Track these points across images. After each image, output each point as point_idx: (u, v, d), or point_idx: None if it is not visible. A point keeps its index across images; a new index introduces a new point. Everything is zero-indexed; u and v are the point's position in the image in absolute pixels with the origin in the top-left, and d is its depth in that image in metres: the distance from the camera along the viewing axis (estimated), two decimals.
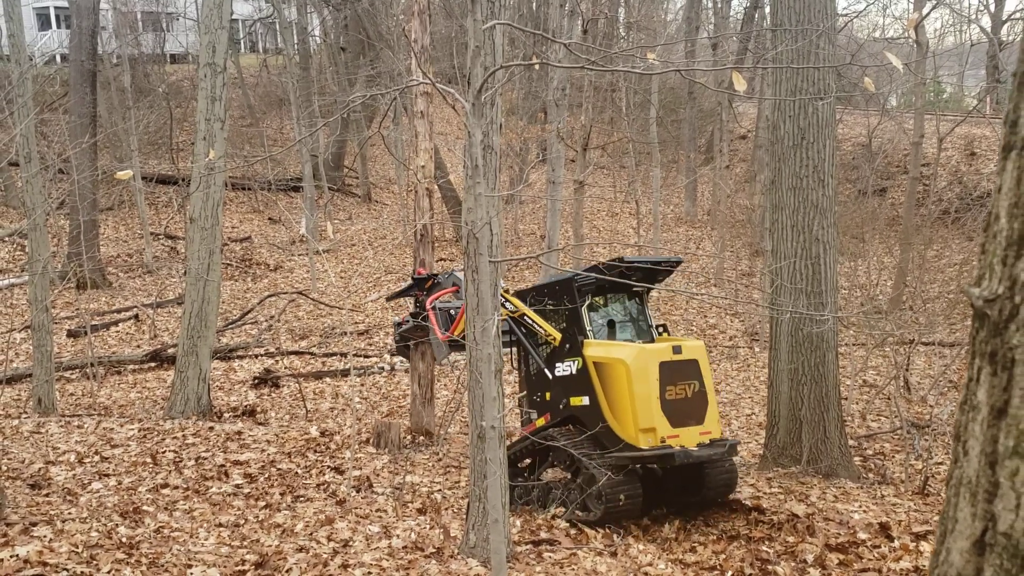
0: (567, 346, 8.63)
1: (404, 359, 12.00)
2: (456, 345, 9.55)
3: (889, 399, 13.67)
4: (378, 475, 9.64)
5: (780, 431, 10.24)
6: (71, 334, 18.24)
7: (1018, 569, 0.79)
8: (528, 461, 9.20)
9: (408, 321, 11.05)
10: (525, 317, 8.94)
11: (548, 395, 8.88)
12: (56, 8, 40.10)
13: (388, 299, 13.18)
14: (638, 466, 8.29)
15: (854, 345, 16.64)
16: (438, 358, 10.47)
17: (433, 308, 9.89)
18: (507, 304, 9.00)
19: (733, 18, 36.44)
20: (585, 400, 8.43)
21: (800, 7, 9.40)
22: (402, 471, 9.68)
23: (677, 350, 8.28)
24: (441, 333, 9.71)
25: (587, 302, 8.70)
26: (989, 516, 0.83)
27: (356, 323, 19.67)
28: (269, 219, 28.57)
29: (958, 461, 0.91)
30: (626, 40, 28.29)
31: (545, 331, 8.78)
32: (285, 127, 33.25)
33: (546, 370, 8.82)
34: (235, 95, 34.14)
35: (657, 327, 9.11)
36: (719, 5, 34.29)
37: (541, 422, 8.95)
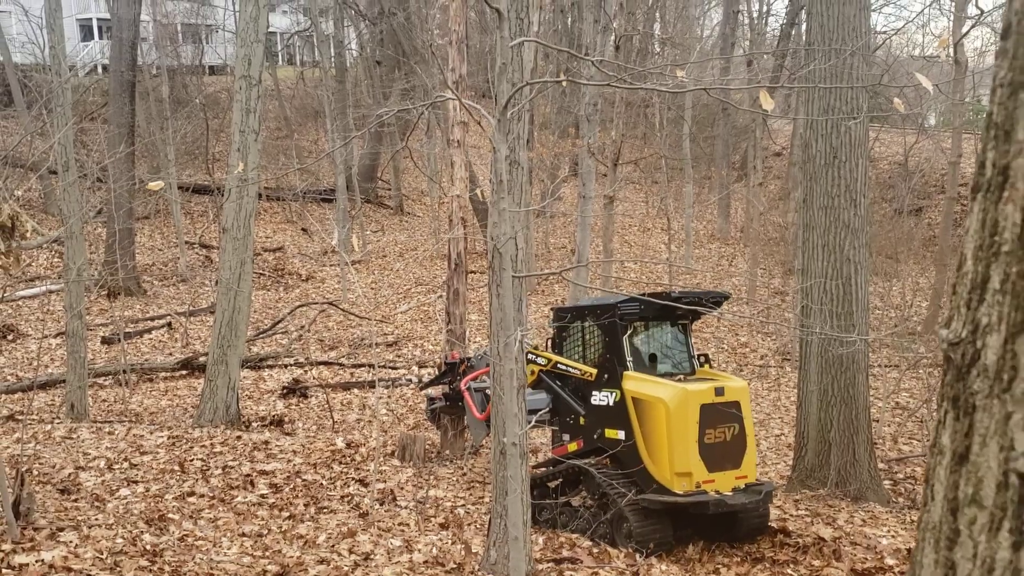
0: (605, 376, 8.51)
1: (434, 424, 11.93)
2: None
3: (922, 422, 13.45)
4: (402, 488, 9.64)
5: (808, 453, 10.12)
6: (105, 341, 18.48)
7: None
8: (558, 482, 9.13)
9: (441, 400, 10.99)
10: (558, 365, 8.90)
11: (582, 420, 8.78)
12: (99, 19, 40.85)
13: (421, 388, 13.20)
14: None
15: (887, 367, 16.41)
16: (475, 440, 10.36)
17: (468, 389, 9.81)
18: (538, 359, 8.96)
19: (770, 34, 36.25)
20: (620, 434, 8.29)
21: (834, 25, 9.33)
22: (426, 485, 9.68)
23: (720, 391, 8.10)
24: (478, 413, 9.64)
25: (629, 331, 8.56)
26: (950, 564, 0.81)
27: (385, 334, 19.74)
28: (302, 230, 28.81)
29: (927, 504, 0.88)
30: (660, 56, 28.25)
31: (581, 371, 8.72)
32: (320, 139, 33.55)
33: (579, 406, 8.75)
34: (272, 107, 34.53)
35: (699, 357, 8.97)
36: (756, 21, 34.12)
37: (573, 447, 8.85)
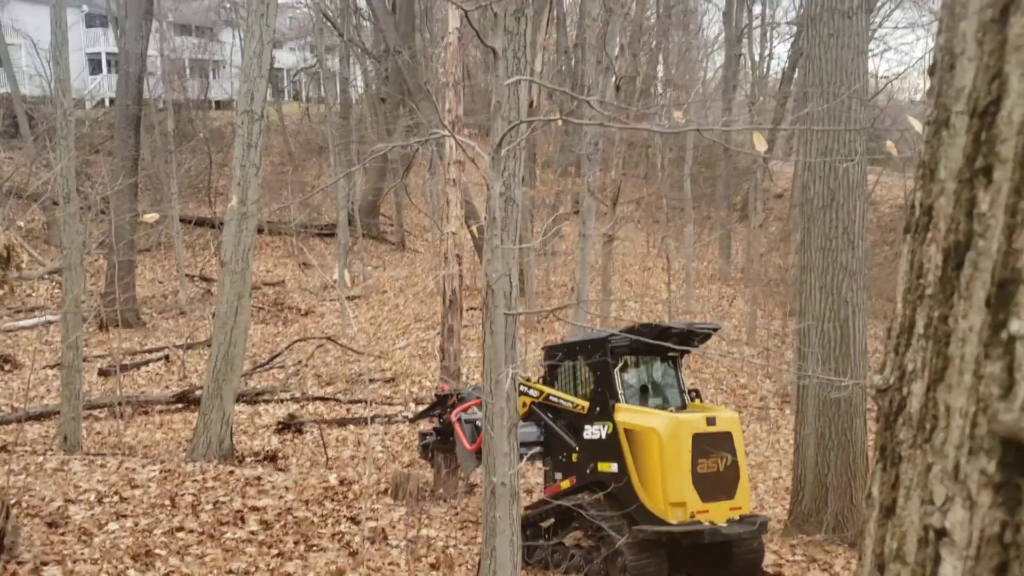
0: (597, 409, 8.50)
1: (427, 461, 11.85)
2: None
3: None
4: (394, 527, 9.54)
5: (805, 497, 10.01)
6: (102, 372, 18.40)
7: None
8: (551, 521, 9.03)
9: (432, 435, 10.94)
10: (550, 397, 8.88)
11: (574, 457, 8.74)
12: (108, 53, 41.26)
13: (411, 420, 13.18)
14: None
15: None
16: (464, 470, 10.28)
17: (459, 420, 9.79)
18: (530, 391, 8.93)
19: (772, 78, 36.53)
20: (614, 467, 8.27)
21: (831, 69, 9.38)
22: (418, 524, 9.57)
23: (711, 421, 8.12)
24: (468, 444, 9.60)
25: (620, 364, 8.57)
26: None
27: (383, 370, 19.66)
28: (302, 264, 28.83)
29: (860, 559, 0.85)
30: (662, 97, 28.46)
31: (573, 403, 8.70)
32: (323, 174, 33.69)
33: (571, 441, 8.71)
34: (276, 142, 34.75)
35: (689, 392, 8.97)
36: (757, 64, 34.42)
37: (566, 484, 8.80)
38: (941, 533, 0.67)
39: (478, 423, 9.46)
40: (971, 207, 0.65)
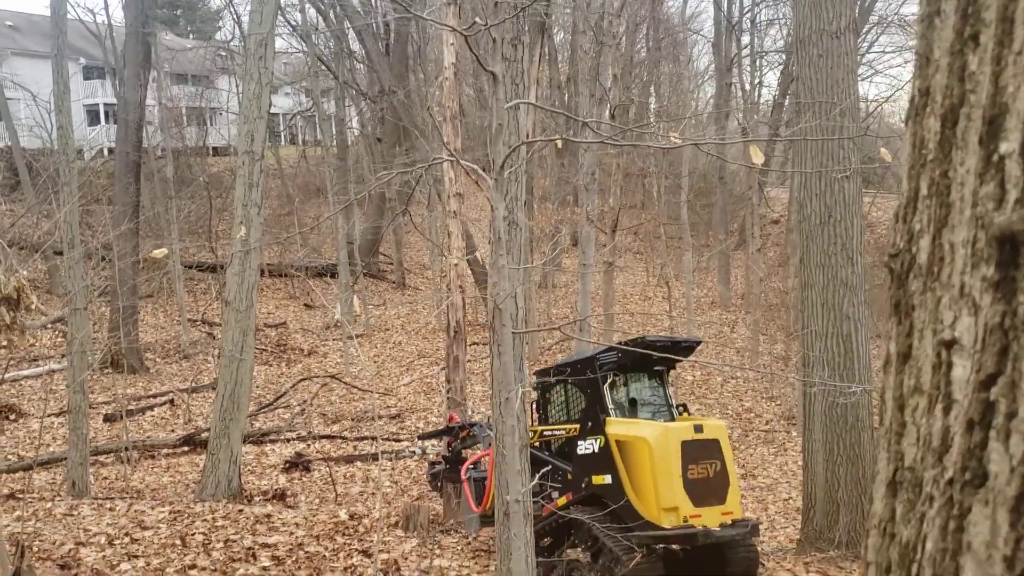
0: (589, 424, 8.70)
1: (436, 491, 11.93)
2: (488, 520, 9.31)
3: None
4: (406, 559, 9.52)
5: (816, 513, 10.00)
6: (107, 418, 18.39)
7: (917, 498, 0.82)
8: (548, 540, 9.14)
9: (442, 463, 11.05)
10: (544, 434, 9.10)
11: (569, 474, 8.92)
12: (105, 104, 41.70)
13: (419, 438, 13.33)
14: (660, 546, 8.21)
15: None
16: (468, 530, 10.33)
17: (468, 478, 9.91)
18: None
19: (763, 105, 36.89)
20: (607, 479, 8.46)
21: (822, 88, 9.54)
22: (430, 555, 9.55)
23: (699, 429, 8.36)
24: (475, 505, 9.68)
25: (608, 380, 8.80)
26: (899, 456, 0.85)
27: (388, 407, 19.66)
28: (304, 305, 28.91)
29: (881, 418, 0.94)
30: (655, 127, 28.76)
31: (566, 431, 8.94)
32: (322, 215, 33.88)
33: (566, 465, 8.87)
34: (274, 185, 34.99)
35: (677, 406, 9.19)
36: (748, 93, 34.78)
37: (562, 501, 8.95)
38: (951, 344, 0.76)
39: (484, 480, 9.59)
40: (962, 72, 0.76)
